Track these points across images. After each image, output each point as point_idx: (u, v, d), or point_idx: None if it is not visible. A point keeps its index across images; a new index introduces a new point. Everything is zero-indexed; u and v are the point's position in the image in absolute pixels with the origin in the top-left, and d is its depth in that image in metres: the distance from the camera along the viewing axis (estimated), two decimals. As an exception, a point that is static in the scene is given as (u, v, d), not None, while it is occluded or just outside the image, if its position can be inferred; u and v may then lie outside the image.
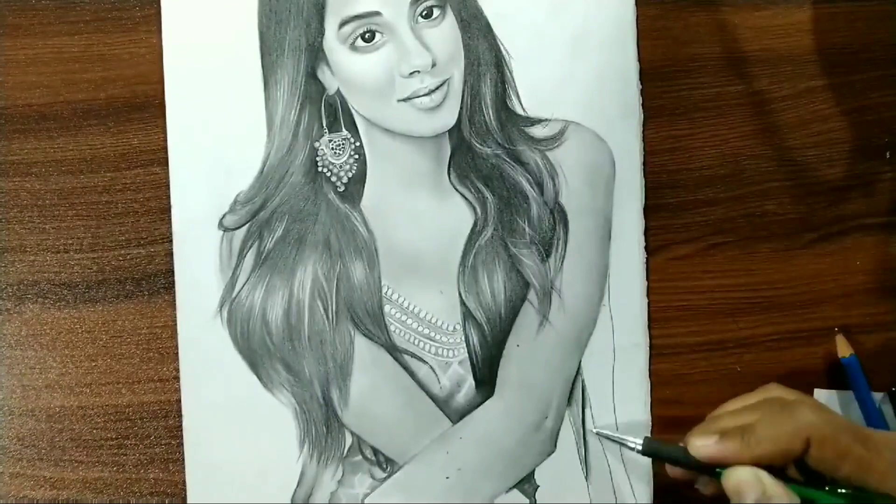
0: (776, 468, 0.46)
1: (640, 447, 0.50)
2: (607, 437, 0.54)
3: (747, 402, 0.48)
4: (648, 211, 0.57)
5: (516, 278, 0.56)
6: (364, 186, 0.55)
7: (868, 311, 0.58)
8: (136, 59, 0.55)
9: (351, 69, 0.54)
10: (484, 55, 0.56)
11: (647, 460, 0.56)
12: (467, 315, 0.56)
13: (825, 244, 0.58)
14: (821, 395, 0.57)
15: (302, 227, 0.55)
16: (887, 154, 0.58)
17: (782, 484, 0.45)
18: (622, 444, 0.51)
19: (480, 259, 0.56)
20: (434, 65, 0.54)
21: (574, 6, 0.56)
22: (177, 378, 0.55)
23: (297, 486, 0.55)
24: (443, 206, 0.56)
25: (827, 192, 0.58)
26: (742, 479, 0.45)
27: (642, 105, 0.57)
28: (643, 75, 0.57)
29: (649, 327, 0.56)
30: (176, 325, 0.54)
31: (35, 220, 0.55)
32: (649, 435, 0.56)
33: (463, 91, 0.55)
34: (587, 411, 0.56)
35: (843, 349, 0.57)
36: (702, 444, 0.46)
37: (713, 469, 0.46)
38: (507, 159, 0.56)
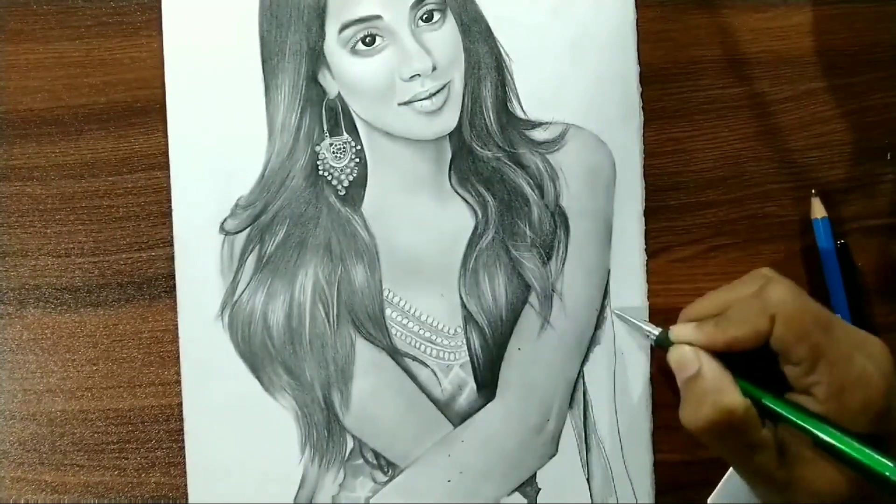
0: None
1: (654, 336, 0.52)
2: (625, 320, 0.56)
3: (733, 288, 0.50)
4: (649, 213, 0.57)
5: (517, 281, 0.56)
6: (365, 190, 0.55)
7: (870, 313, 0.58)
8: (136, 64, 0.55)
9: (352, 73, 0.54)
10: (484, 58, 0.56)
11: (649, 462, 0.56)
12: (468, 318, 0.56)
13: (826, 246, 0.58)
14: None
15: (303, 230, 0.55)
16: (888, 155, 0.58)
17: (720, 365, 0.47)
18: (638, 330, 0.54)
19: (481, 262, 0.56)
20: (434, 68, 0.54)
21: (574, 9, 0.56)
22: (178, 382, 0.55)
23: (299, 489, 0.54)
24: (444, 210, 0.56)
25: (828, 194, 0.57)
26: (683, 355, 0.48)
27: (642, 107, 0.57)
28: (643, 78, 0.57)
29: (650, 329, 0.56)
30: (177, 328, 0.55)
31: (36, 225, 0.55)
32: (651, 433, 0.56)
33: (463, 94, 0.55)
34: (589, 413, 0.56)
35: (818, 211, 0.56)
36: (681, 332, 0.49)
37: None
38: (508, 162, 0.56)
